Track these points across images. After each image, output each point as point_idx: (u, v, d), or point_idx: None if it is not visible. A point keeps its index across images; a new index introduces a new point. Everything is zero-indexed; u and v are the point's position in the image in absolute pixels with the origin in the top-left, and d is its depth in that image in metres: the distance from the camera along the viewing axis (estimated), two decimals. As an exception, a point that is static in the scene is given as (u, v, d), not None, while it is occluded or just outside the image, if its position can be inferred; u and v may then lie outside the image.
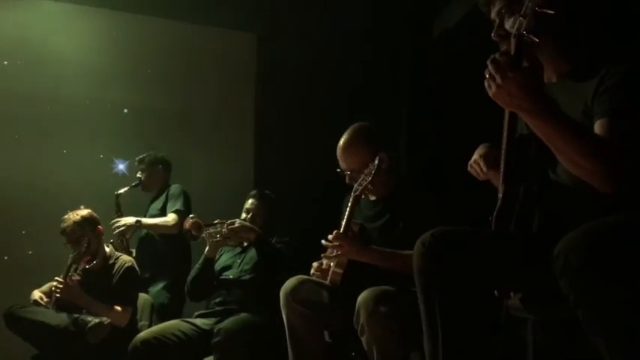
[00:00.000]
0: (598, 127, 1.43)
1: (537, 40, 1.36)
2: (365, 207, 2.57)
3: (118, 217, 3.94)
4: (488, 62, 1.37)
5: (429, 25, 4.26)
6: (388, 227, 2.46)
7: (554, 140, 1.39)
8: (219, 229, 3.21)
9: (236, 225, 3.17)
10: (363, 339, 2.10)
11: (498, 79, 1.35)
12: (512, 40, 1.39)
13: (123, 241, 3.85)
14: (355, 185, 2.41)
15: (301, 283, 2.36)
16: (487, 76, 1.38)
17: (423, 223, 2.04)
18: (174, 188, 4.01)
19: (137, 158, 4.13)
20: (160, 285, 3.79)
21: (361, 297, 2.11)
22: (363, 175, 2.38)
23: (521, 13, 1.37)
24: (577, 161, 1.38)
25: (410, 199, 2.44)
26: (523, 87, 1.35)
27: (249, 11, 4.48)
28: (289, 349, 2.36)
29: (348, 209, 2.40)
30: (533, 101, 1.36)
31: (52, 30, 4.48)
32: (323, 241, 2.37)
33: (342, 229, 2.38)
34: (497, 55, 1.36)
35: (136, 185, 4.09)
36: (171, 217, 3.83)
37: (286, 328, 2.36)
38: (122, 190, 4.06)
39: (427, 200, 2.43)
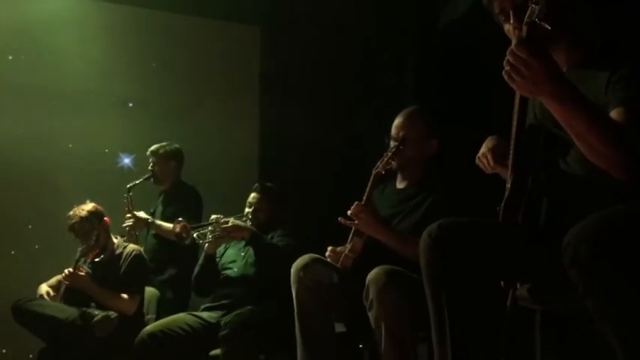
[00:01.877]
0: (614, 115, 1.42)
1: (549, 28, 1.35)
2: (391, 192, 2.60)
3: (130, 210, 3.92)
4: (508, 54, 1.35)
5: (435, 16, 4.23)
6: (409, 215, 2.47)
7: (577, 125, 1.37)
8: (211, 228, 3.21)
9: (229, 225, 3.16)
10: (371, 314, 2.09)
11: (523, 69, 1.33)
12: (524, 28, 1.37)
13: (132, 235, 3.85)
14: (377, 164, 2.43)
15: (313, 261, 2.36)
16: (508, 67, 1.36)
17: (441, 213, 2.05)
18: (188, 192, 3.97)
19: (150, 150, 4.05)
20: (167, 280, 3.79)
21: (372, 273, 2.12)
22: (385, 153, 2.40)
23: (534, 0, 1.36)
24: (596, 147, 1.37)
25: (435, 190, 2.45)
26: (548, 73, 1.33)
27: (253, 4, 4.47)
28: (297, 327, 2.34)
29: (369, 185, 2.41)
30: (560, 86, 1.35)
31: (57, 24, 4.47)
32: (342, 219, 2.39)
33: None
34: (515, 46, 1.34)
35: (147, 178, 4.04)
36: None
37: (295, 304, 2.34)
38: (134, 183, 4.02)
39: (451, 192, 2.44)
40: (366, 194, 2.41)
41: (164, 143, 4.07)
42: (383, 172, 2.44)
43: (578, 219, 1.25)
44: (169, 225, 3.79)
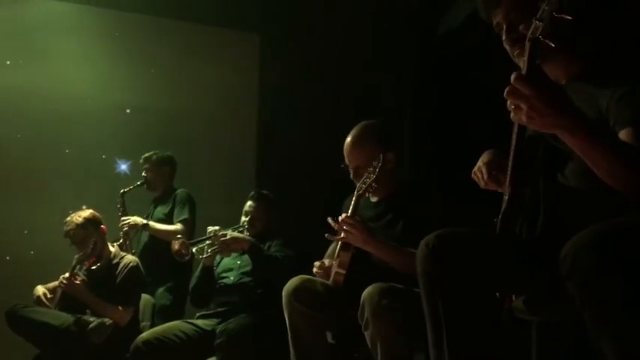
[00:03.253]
0: (623, 137, 1.40)
1: (553, 45, 1.33)
2: (365, 207, 2.54)
3: (123, 215, 3.94)
4: (505, 94, 1.30)
5: (434, 25, 4.25)
6: (389, 228, 2.45)
7: (592, 155, 1.34)
8: (210, 242, 3.21)
9: (227, 237, 3.16)
10: (367, 334, 2.08)
11: (524, 105, 1.28)
12: (527, 44, 1.36)
13: (126, 240, 3.85)
14: (359, 184, 2.40)
15: (303, 282, 2.34)
16: (512, 107, 1.31)
17: (424, 223, 2.05)
18: (182, 194, 4.00)
19: (143, 157, 4.11)
20: (162, 287, 3.79)
21: (366, 291, 2.09)
22: (366, 174, 2.37)
23: (537, 17, 1.34)
24: (617, 173, 1.34)
25: (411, 200, 2.42)
26: (552, 105, 1.28)
27: (252, 12, 4.48)
28: (291, 350, 2.35)
29: (352, 205, 2.39)
30: (568, 117, 1.30)
31: (55, 29, 4.49)
32: (330, 219, 2.35)
33: None
34: (513, 79, 1.31)
35: (141, 184, 4.09)
36: (178, 227, 3.82)
37: (288, 328, 2.34)
38: (127, 189, 4.07)
39: (429, 201, 2.42)
40: (351, 210, 2.37)
41: (157, 151, 4.12)
42: (367, 195, 2.41)
43: (576, 231, 1.25)
44: (166, 226, 3.80)
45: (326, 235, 2.39)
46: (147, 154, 4.11)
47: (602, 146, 1.33)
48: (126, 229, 3.85)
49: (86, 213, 3.46)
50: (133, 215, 3.93)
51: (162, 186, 4.10)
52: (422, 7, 4.20)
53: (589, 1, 1.56)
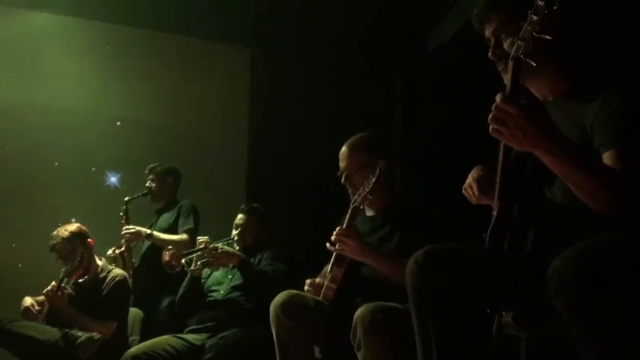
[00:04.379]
0: (607, 159, 1.42)
1: (535, 64, 1.36)
2: (361, 222, 2.55)
3: (127, 223, 3.92)
4: (493, 109, 1.34)
5: (424, 40, 4.28)
6: (385, 241, 2.45)
7: (571, 176, 1.38)
8: (201, 253, 3.20)
9: (218, 251, 3.16)
10: (360, 354, 2.08)
11: (509, 122, 1.32)
12: (510, 63, 1.38)
13: (127, 249, 3.83)
14: (354, 196, 2.41)
15: (291, 297, 2.33)
16: (494, 123, 1.35)
17: (419, 237, 2.06)
18: (187, 205, 3.99)
19: (148, 167, 4.11)
20: (166, 301, 3.72)
21: (359, 312, 2.09)
22: (362, 187, 2.38)
23: (519, 36, 1.37)
24: (595, 194, 1.37)
25: (407, 214, 2.43)
26: (536, 125, 1.32)
27: (244, 26, 4.50)
28: None
29: (347, 217, 2.39)
30: (550, 138, 1.34)
31: (45, 42, 4.49)
32: (329, 246, 2.37)
33: None
34: (500, 100, 1.34)
35: (144, 194, 4.07)
36: (183, 236, 3.80)
37: (275, 342, 2.33)
38: (131, 197, 4.04)
39: (423, 215, 2.43)
40: (345, 223, 2.38)
41: (162, 163, 4.11)
42: (361, 207, 2.42)
43: (564, 248, 1.26)
44: (171, 236, 3.77)
45: (327, 245, 2.39)
46: (152, 165, 4.11)
47: (581, 167, 1.36)
48: (128, 236, 3.82)
49: (73, 227, 3.45)
50: (132, 224, 3.90)
51: (165, 197, 4.10)
52: (411, 22, 4.23)
53: (572, 20, 1.58)
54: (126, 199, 4.03)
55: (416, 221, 2.38)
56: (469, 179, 1.82)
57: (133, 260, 3.89)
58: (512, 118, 1.31)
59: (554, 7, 1.33)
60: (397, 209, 2.48)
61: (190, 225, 3.85)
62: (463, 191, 1.85)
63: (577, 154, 1.37)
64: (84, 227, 3.49)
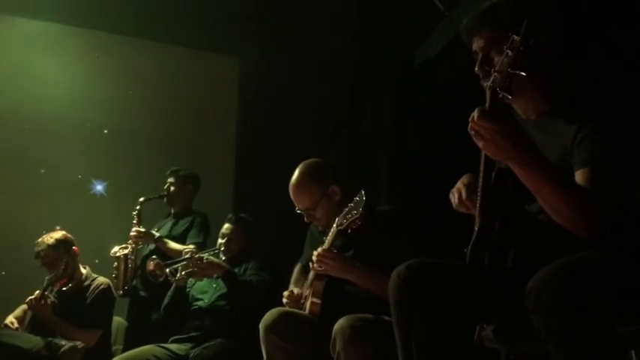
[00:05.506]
0: (579, 177, 1.46)
1: (510, 97, 1.39)
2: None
3: (139, 224, 3.88)
4: (470, 121, 1.40)
5: (411, 55, 4.32)
6: (357, 258, 2.44)
7: (540, 190, 1.42)
8: (186, 263, 3.20)
9: (203, 262, 3.16)
10: None
11: (486, 135, 1.38)
12: (488, 92, 1.41)
13: (133, 250, 3.79)
14: (338, 219, 2.36)
15: (281, 315, 2.33)
16: (472, 133, 1.41)
17: (386, 253, 2.08)
18: (201, 218, 3.94)
19: (170, 169, 4.05)
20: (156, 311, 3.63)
21: (338, 324, 2.11)
22: (346, 209, 2.36)
23: (496, 68, 1.40)
24: (561, 210, 1.41)
25: (373, 229, 2.40)
26: (511, 139, 1.38)
27: (232, 35, 4.52)
28: None
29: (330, 238, 2.39)
30: (523, 152, 1.39)
31: (33, 49, 4.47)
32: (311, 265, 2.38)
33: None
34: (477, 115, 1.38)
35: (161, 197, 4.02)
36: (191, 248, 3.70)
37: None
38: (146, 198, 3.99)
39: (389, 229, 2.43)
40: (328, 244, 2.38)
41: (185, 168, 4.09)
42: (349, 232, 2.36)
43: (543, 264, 1.28)
44: (179, 245, 3.74)
45: (310, 265, 2.41)
46: (175, 168, 4.06)
47: (550, 182, 1.40)
48: (137, 237, 3.78)
49: (58, 234, 3.44)
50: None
51: (181, 203, 4.04)
52: (398, 37, 4.27)
53: (554, 44, 1.61)
54: (141, 199, 3.96)
55: (386, 238, 2.38)
56: (459, 184, 1.84)
57: (137, 262, 3.85)
58: (488, 132, 1.38)
59: (530, 43, 1.36)
60: (367, 226, 2.40)
61: (199, 240, 3.79)
62: (450, 195, 1.87)
63: (548, 169, 1.41)
64: (69, 235, 3.48)
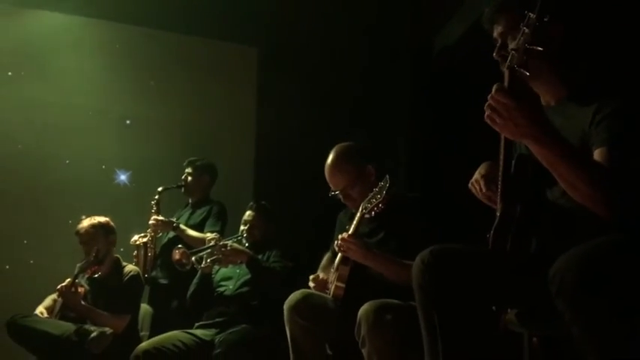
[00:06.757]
0: (597, 155, 1.47)
1: (528, 74, 1.41)
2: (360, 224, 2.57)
3: (157, 213, 3.95)
4: (489, 98, 1.41)
5: (430, 42, 4.31)
6: (384, 244, 2.50)
7: (557, 166, 1.43)
8: (211, 251, 3.25)
9: (227, 248, 3.20)
10: (364, 351, 2.13)
11: (503, 112, 1.39)
12: (506, 72, 1.44)
13: (150, 240, 3.87)
14: (363, 203, 2.43)
15: (305, 297, 2.38)
16: (489, 111, 1.42)
17: (418, 238, 2.11)
18: (220, 206, 4.00)
19: (188, 160, 4.12)
20: (179, 297, 3.70)
21: (362, 309, 2.14)
22: (371, 194, 2.41)
23: (514, 46, 1.42)
24: (578, 187, 1.42)
25: (404, 215, 2.47)
26: (528, 116, 1.39)
27: (251, 25, 4.54)
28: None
29: (354, 224, 2.44)
30: (539, 129, 1.40)
31: (56, 41, 4.51)
32: (336, 248, 2.43)
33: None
34: (495, 90, 1.40)
35: (178, 187, 4.08)
36: (209, 236, 3.71)
37: (289, 341, 2.38)
38: (165, 188, 4.06)
39: (421, 215, 2.48)
40: (352, 230, 2.43)
41: (203, 158, 4.15)
42: (372, 214, 2.42)
43: (565, 248, 1.30)
44: (198, 233, 3.80)
45: (335, 247, 2.47)
46: (192, 158, 4.12)
47: (568, 160, 1.41)
48: (156, 225, 3.85)
49: (102, 218, 3.56)
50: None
51: (199, 193, 4.10)
52: (415, 24, 4.26)
53: (569, 28, 1.63)
54: (159, 189, 4.03)
55: (413, 222, 2.43)
56: (476, 175, 1.86)
57: (156, 250, 3.92)
58: (505, 108, 1.39)
59: (545, 20, 1.38)
60: (394, 211, 2.48)
61: (217, 228, 3.83)
62: (470, 186, 1.89)
63: (564, 145, 1.42)
64: (112, 224, 3.56)
